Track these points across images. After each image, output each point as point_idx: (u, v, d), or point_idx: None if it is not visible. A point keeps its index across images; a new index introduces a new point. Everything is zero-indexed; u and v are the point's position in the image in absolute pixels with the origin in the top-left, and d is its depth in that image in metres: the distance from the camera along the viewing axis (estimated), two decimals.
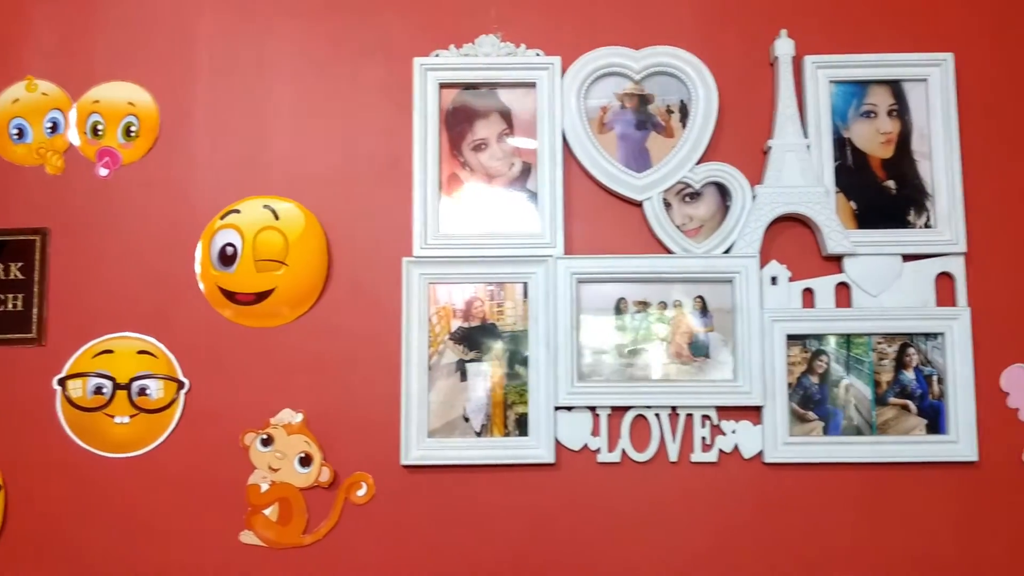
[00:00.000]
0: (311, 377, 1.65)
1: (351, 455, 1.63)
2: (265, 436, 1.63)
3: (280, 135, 1.70)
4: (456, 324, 1.64)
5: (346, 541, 1.62)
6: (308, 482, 1.62)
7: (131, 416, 1.64)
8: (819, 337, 1.63)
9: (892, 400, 1.62)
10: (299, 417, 1.63)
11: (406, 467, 1.61)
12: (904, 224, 1.65)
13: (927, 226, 1.64)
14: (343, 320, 1.66)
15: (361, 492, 1.62)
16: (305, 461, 1.62)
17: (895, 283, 1.63)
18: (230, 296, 1.66)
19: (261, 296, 1.66)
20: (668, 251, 1.65)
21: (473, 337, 1.64)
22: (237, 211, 1.68)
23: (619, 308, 1.64)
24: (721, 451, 1.61)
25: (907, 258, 1.64)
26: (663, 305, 1.64)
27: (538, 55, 1.68)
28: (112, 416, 1.64)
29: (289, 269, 1.65)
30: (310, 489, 1.62)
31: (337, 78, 1.71)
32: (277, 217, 1.67)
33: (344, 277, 1.67)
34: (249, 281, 1.66)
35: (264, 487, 1.62)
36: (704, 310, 1.64)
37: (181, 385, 1.64)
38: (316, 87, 1.71)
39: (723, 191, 1.66)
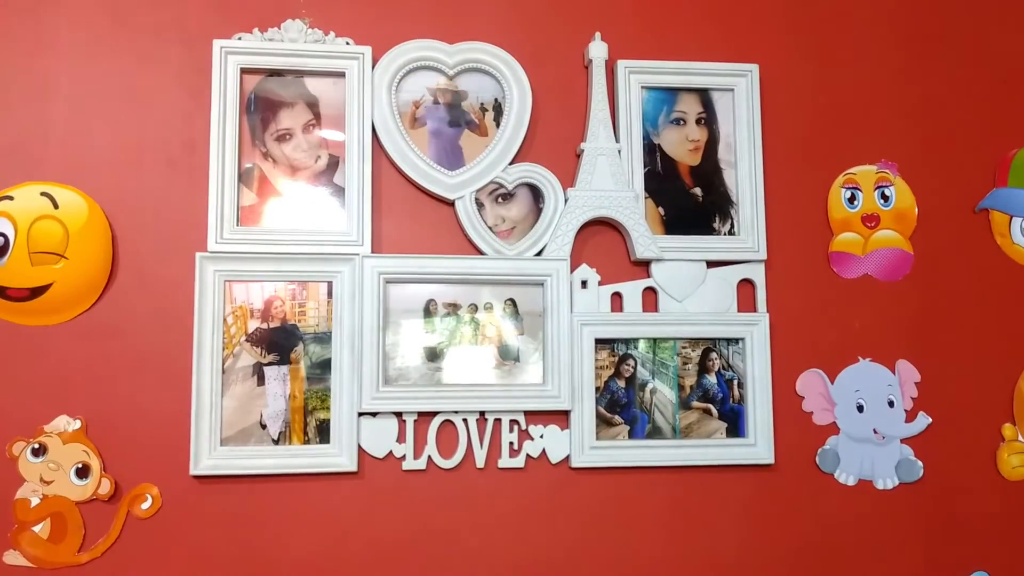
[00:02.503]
0: (92, 381, 1.51)
1: (135, 465, 1.51)
2: (37, 445, 1.48)
3: (61, 116, 1.55)
4: (254, 325, 1.55)
5: (127, 558, 1.50)
6: (85, 495, 1.49)
7: None
8: (626, 341, 1.63)
9: (695, 404, 1.64)
10: (77, 424, 1.50)
11: (196, 477, 1.51)
12: (709, 231, 1.67)
13: (731, 233, 1.68)
14: (129, 319, 1.53)
15: (145, 505, 1.50)
16: (82, 472, 1.49)
17: (699, 289, 1.66)
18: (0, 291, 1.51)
19: (36, 292, 1.51)
20: (480, 252, 1.61)
21: (272, 339, 1.55)
22: (9, 198, 1.52)
23: (428, 310, 1.59)
24: (528, 456, 1.59)
25: (711, 264, 1.66)
26: (473, 307, 1.60)
27: (348, 44, 1.61)
28: None
29: (69, 263, 1.51)
30: (88, 503, 1.49)
31: (127, 57, 1.58)
32: (56, 206, 1.52)
33: (131, 272, 1.54)
34: (22, 275, 1.51)
35: (34, 501, 1.48)
36: (515, 313, 1.61)
37: None
38: (103, 66, 1.57)
39: (536, 193, 1.64)
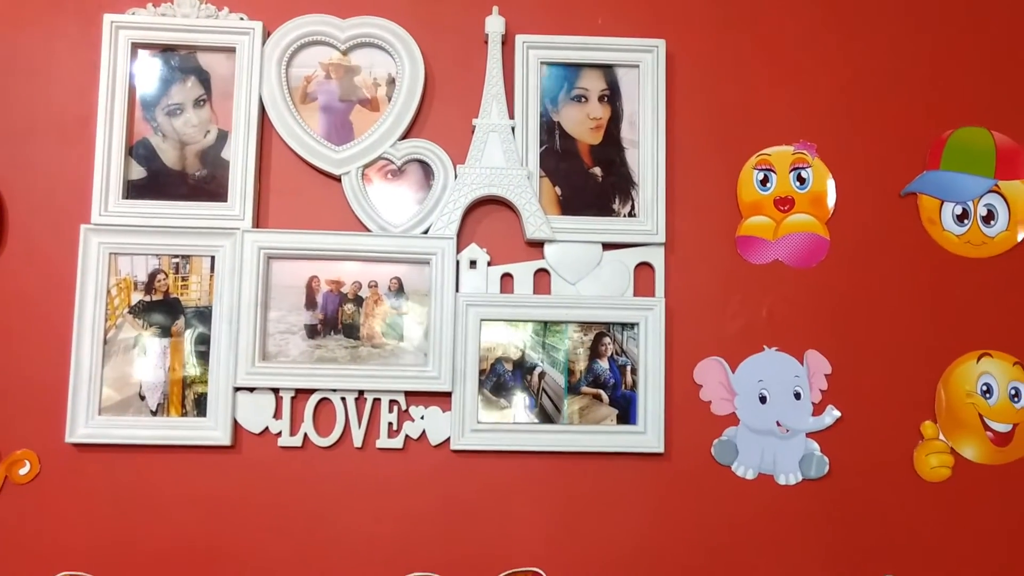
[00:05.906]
0: None
1: (15, 432, 1.54)
2: None
3: None
4: (137, 297, 1.56)
5: (4, 523, 1.52)
6: None
7: None
8: (515, 323, 1.59)
9: (585, 389, 1.59)
10: None
11: (74, 445, 1.53)
12: (609, 212, 1.62)
13: (631, 215, 1.62)
14: (13, 288, 1.56)
15: (23, 471, 1.53)
16: None
17: (594, 271, 1.60)
18: None
19: None
20: (366, 229, 1.59)
21: (154, 312, 1.56)
22: None
23: (311, 287, 1.58)
24: (408, 437, 1.57)
25: (609, 247, 1.61)
26: (357, 285, 1.58)
27: (242, 19, 1.61)
28: None
29: None
30: None
31: (23, 29, 1.60)
32: None
33: (19, 243, 1.57)
34: None
35: None
36: (400, 292, 1.59)
37: None
38: None
39: (427, 170, 1.61)
